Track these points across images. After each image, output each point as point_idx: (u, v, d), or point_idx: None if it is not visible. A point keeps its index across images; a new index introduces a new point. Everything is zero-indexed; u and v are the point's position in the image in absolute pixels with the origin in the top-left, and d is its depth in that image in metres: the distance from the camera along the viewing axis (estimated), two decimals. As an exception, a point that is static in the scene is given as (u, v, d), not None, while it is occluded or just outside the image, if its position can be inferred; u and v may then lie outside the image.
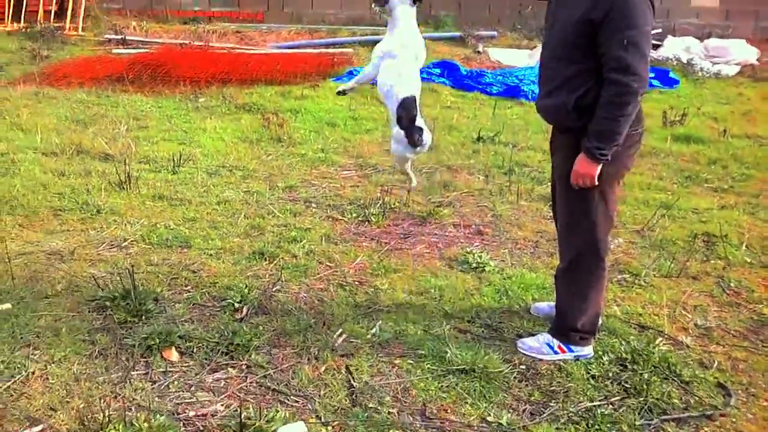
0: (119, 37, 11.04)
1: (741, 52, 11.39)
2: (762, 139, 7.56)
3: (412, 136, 4.56)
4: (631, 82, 2.90)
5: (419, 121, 4.60)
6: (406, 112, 4.56)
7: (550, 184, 3.63)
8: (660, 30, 12.24)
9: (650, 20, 2.94)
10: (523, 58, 10.82)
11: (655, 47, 11.82)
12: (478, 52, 11.22)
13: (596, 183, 3.11)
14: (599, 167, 3.07)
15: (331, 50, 10.99)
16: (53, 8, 11.57)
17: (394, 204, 5.30)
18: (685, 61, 10.97)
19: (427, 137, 4.68)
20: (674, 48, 11.51)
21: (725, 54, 11.36)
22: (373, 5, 4.09)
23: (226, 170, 5.93)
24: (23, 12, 11.43)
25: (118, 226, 4.75)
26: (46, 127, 6.69)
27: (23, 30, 11.12)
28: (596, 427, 2.98)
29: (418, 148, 4.67)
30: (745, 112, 8.76)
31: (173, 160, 5.94)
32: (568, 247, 3.37)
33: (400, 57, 4.71)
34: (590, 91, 3.02)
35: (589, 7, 2.92)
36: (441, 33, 11.99)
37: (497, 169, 6.26)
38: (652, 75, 10.08)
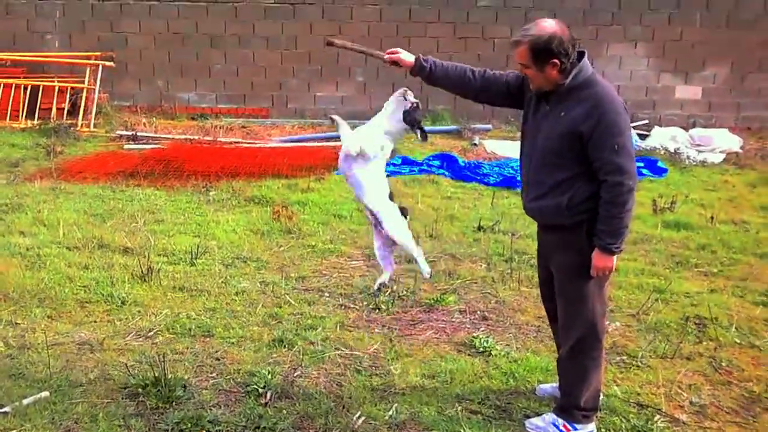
0: (130, 133, 11.54)
1: (725, 140, 11.91)
2: (747, 224, 7.93)
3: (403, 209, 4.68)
4: (626, 181, 3.27)
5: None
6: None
7: (539, 279, 3.94)
8: (647, 121, 12.85)
9: (629, 124, 3.35)
10: (517, 150, 11.30)
11: (643, 137, 12.37)
12: (475, 144, 11.73)
13: (614, 271, 3.44)
14: (615, 258, 3.41)
15: (333, 143, 11.48)
16: (66, 106, 12.11)
17: (403, 292, 5.60)
18: (672, 150, 11.46)
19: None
20: (661, 138, 12.03)
21: (710, 143, 11.87)
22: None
23: (240, 261, 6.25)
24: (37, 110, 11.97)
25: (143, 317, 5.03)
26: (67, 222, 7.03)
27: (37, 127, 11.62)
28: (603, 500, 3.20)
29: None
30: (731, 198, 9.17)
31: (190, 252, 6.26)
32: (570, 334, 3.65)
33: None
34: (578, 193, 3.40)
35: (576, 122, 3.31)
36: (438, 127, 12.53)
37: (498, 257, 6.59)
38: (642, 165, 10.55)
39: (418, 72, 3.82)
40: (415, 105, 4.10)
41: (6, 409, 3.78)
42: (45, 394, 3.95)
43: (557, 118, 3.39)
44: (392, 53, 3.82)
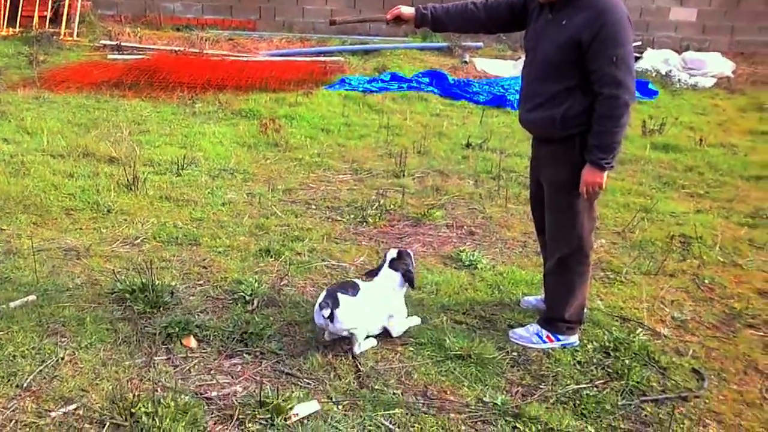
0: (114, 43, 11.26)
1: (717, 65, 11.79)
2: (735, 147, 7.94)
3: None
4: (622, 95, 3.20)
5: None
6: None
7: (530, 192, 3.91)
8: (640, 43, 12.63)
9: (632, 38, 3.25)
10: (507, 69, 11.16)
11: (636, 59, 12.22)
12: (465, 62, 11.54)
13: (604, 188, 3.41)
14: (605, 174, 3.37)
15: (322, 59, 11.27)
16: (48, 14, 11.76)
17: (390, 206, 5.58)
18: (663, 73, 11.36)
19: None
20: (653, 60, 11.89)
21: (702, 66, 11.76)
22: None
23: (227, 173, 6.19)
24: (18, 17, 11.63)
25: (129, 225, 5.00)
26: (51, 130, 6.92)
27: (19, 35, 11.31)
28: (582, 407, 3.27)
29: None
30: (720, 122, 9.14)
31: (176, 163, 6.19)
32: (557, 247, 3.66)
33: None
34: (574, 106, 3.33)
35: (577, 30, 3.22)
36: (429, 43, 12.30)
37: (486, 174, 6.57)
38: (633, 86, 10.45)
39: (421, 22, 3.75)
40: (407, 268, 3.79)
41: (-8, 311, 3.78)
42: (32, 297, 3.95)
43: (558, 27, 3.31)
44: (392, 11, 3.73)
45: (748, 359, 3.75)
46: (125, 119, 7.58)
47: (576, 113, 3.32)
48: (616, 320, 4.07)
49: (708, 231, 5.40)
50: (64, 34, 11.58)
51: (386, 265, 3.78)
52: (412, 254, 3.92)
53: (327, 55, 11.54)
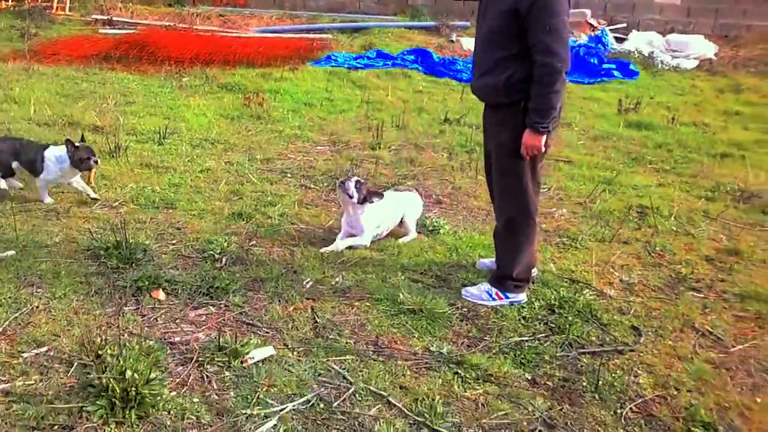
0: (106, 17, 11.42)
1: (700, 47, 11.97)
2: (707, 126, 8.14)
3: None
4: (555, 63, 3.41)
5: None
6: None
7: (483, 156, 4.12)
8: (625, 24, 12.82)
9: (567, 10, 3.45)
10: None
11: (620, 41, 12.39)
12: (452, 41, 11.72)
13: (543, 151, 3.61)
14: (543, 138, 3.57)
15: (311, 36, 11.43)
16: (41, -12, 11.92)
17: (363, 176, 5.79)
18: (646, 55, 11.53)
19: None
20: (637, 42, 12.06)
21: (685, 48, 11.94)
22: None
23: (208, 143, 6.40)
24: (11, -9, 11.79)
25: (109, 189, 5.21)
26: (38, 101, 7.11)
27: (11, 8, 11.47)
28: (522, 356, 3.49)
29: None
30: (696, 102, 9.34)
31: (159, 132, 6.40)
32: (503, 209, 3.88)
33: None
34: (516, 72, 3.53)
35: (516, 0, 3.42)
36: (417, 22, 12.46)
37: (460, 148, 6.77)
38: (613, 66, 10.63)
39: None
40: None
41: (-27, 264, 4.00)
42: (11, 252, 4.17)
43: None
44: None
45: (686, 318, 3.97)
46: (112, 91, 7.78)
47: (518, 80, 3.52)
48: (566, 282, 4.28)
49: (666, 203, 5.61)
50: (57, 8, 11.74)
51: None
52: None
53: (316, 33, 11.71)
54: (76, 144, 4.79)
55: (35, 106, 6.89)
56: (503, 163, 3.75)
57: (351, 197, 4.45)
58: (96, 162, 4.85)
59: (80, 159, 4.77)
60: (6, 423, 2.82)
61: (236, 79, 8.64)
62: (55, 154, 4.82)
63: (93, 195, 5.00)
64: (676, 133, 7.69)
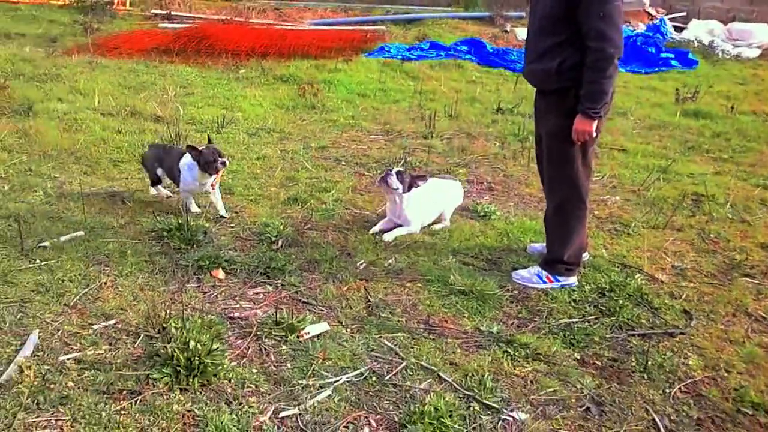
0: (165, 12, 11.72)
1: (764, 35, 11.69)
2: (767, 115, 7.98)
3: None
4: (607, 48, 3.43)
5: None
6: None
7: (535, 142, 4.16)
8: (684, 13, 12.59)
9: None
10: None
11: (679, 30, 12.18)
12: (506, 31, 11.70)
13: (594, 136, 3.64)
14: (595, 123, 3.60)
15: (364, 27, 11.55)
16: (103, -15, 12.29)
17: (416, 164, 5.87)
18: (706, 44, 11.32)
19: None
20: (697, 30, 11.85)
21: (748, 37, 11.68)
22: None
23: (264, 132, 6.56)
24: (74, -13, 12.18)
25: (171, 175, 5.40)
26: (102, 92, 7.39)
27: (75, 5, 11.86)
28: (572, 337, 3.54)
29: None
30: (757, 91, 9.15)
31: (217, 122, 6.59)
32: (555, 193, 3.93)
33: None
34: (568, 58, 3.57)
35: None
36: (470, 13, 12.46)
37: (513, 137, 6.80)
38: (672, 56, 10.48)
39: None
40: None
41: (45, 243, 4.21)
42: (80, 233, 4.38)
43: None
44: None
45: (738, 303, 3.95)
46: (172, 83, 8.01)
47: (570, 66, 3.56)
48: (617, 267, 4.30)
49: (722, 191, 5.56)
50: (117, 3, 12.10)
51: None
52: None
53: (369, 24, 11.82)
54: (200, 148, 4.53)
55: (99, 96, 7.16)
56: (554, 148, 3.80)
57: (396, 189, 4.53)
58: (224, 164, 4.56)
59: (206, 162, 4.51)
60: (79, 388, 3.00)
61: (291, 71, 8.80)
62: (186, 162, 4.62)
63: (222, 212, 4.77)
64: (735, 122, 7.56)
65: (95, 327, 3.45)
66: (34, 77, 7.84)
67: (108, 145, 5.92)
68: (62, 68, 8.31)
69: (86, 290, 3.77)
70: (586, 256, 4.23)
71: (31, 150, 5.68)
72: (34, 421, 2.82)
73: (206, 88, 7.95)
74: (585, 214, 3.93)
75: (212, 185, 4.67)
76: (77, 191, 4.97)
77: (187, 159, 4.60)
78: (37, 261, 4.03)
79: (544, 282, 4.00)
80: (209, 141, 4.66)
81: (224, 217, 4.74)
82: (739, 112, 7.92)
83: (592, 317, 3.74)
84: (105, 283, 3.85)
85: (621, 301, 3.85)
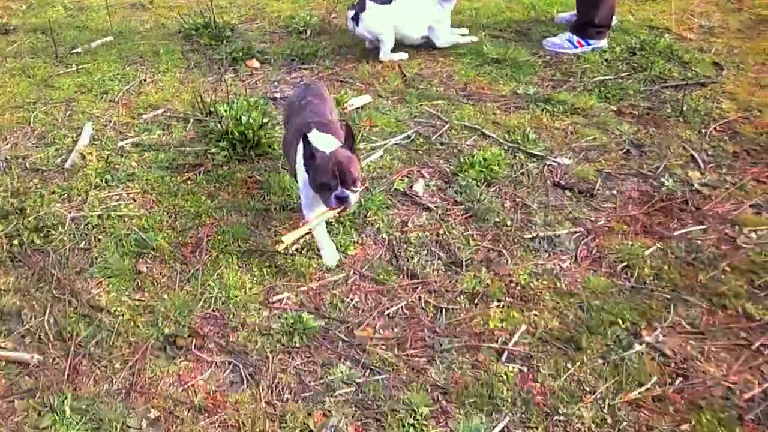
0: None
1: None
2: None
3: None
4: None
5: None
6: None
7: None
8: None
9: None
10: None
11: None
12: None
13: None
14: None
15: None
16: None
17: None
18: None
19: None
20: None
21: None
22: None
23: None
24: None
25: None
26: None
27: None
28: (607, 92, 3.63)
29: None
30: None
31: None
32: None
33: None
34: None
35: None
36: None
37: None
38: None
39: None
40: None
41: (78, 50, 4.25)
42: (109, 38, 4.41)
43: None
44: None
45: (767, 54, 4.01)
46: None
47: None
48: (645, 29, 4.31)
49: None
50: None
51: None
52: None
53: None
54: None
55: None
56: None
57: None
58: None
59: None
60: (142, 166, 3.16)
61: None
62: None
63: None
64: None
65: (144, 117, 3.57)
66: None
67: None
68: None
69: (128, 87, 3.85)
70: (614, 19, 4.23)
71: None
72: (108, 195, 3.00)
73: None
74: (616, -28, 3.91)
75: None
76: (97, 3, 4.93)
77: None
78: (74, 66, 4.09)
79: (575, 47, 4.04)
80: None
81: None
82: None
83: (625, 74, 3.81)
84: (144, 80, 3.93)
85: (652, 58, 3.90)
